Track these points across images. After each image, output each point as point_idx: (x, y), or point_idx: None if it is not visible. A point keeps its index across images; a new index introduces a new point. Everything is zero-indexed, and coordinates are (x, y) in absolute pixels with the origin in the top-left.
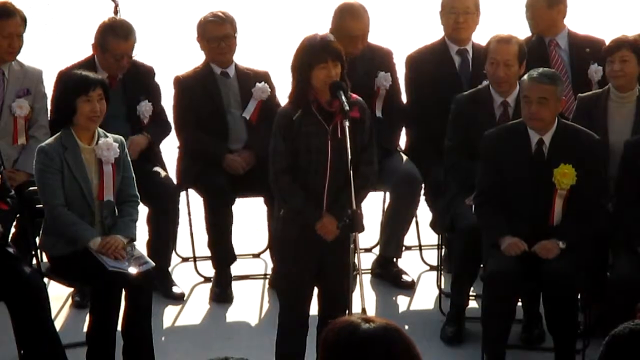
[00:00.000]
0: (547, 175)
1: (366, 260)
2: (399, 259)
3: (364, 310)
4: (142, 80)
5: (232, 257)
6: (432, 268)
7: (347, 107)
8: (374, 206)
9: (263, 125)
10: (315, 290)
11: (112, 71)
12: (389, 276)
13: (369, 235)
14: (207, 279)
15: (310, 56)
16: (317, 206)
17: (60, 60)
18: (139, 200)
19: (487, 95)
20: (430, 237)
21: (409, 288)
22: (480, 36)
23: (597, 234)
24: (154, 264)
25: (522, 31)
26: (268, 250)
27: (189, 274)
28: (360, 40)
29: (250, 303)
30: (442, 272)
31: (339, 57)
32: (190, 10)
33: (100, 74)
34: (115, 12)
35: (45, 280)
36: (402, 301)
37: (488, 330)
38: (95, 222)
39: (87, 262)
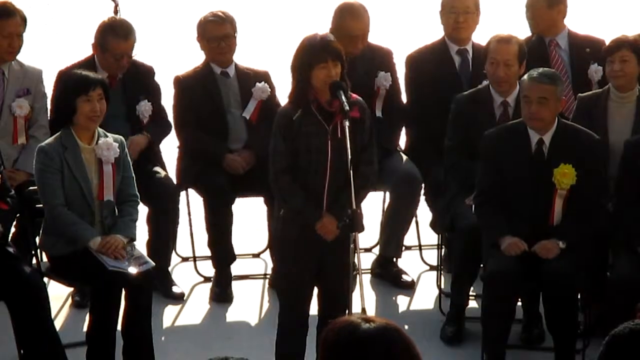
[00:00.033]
0: (547, 175)
1: (366, 260)
2: (399, 259)
3: (364, 310)
4: (142, 80)
5: (232, 257)
6: (432, 268)
7: (347, 107)
8: (374, 206)
9: (263, 125)
10: (315, 290)
11: (112, 71)
12: (389, 276)
13: (369, 235)
14: (207, 279)
15: (310, 56)
16: (317, 206)
17: (60, 60)
18: (139, 200)
19: (487, 95)
20: (430, 237)
21: (409, 288)
22: (480, 36)
23: (597, 233)
24: (154, 263)
25: (522, 31)
26: (268, 250)
27: (189, 274)
28: (360, 40)
29: (250, 303)
30: (442, 272)
31: (339, 56)
32: (190, 10)
33: (100, 73)
34: (115, 12)
35: (45, 280)
36: (402, 301)
37: (488, 330)
38: (95, 222)
39: (87, 261)
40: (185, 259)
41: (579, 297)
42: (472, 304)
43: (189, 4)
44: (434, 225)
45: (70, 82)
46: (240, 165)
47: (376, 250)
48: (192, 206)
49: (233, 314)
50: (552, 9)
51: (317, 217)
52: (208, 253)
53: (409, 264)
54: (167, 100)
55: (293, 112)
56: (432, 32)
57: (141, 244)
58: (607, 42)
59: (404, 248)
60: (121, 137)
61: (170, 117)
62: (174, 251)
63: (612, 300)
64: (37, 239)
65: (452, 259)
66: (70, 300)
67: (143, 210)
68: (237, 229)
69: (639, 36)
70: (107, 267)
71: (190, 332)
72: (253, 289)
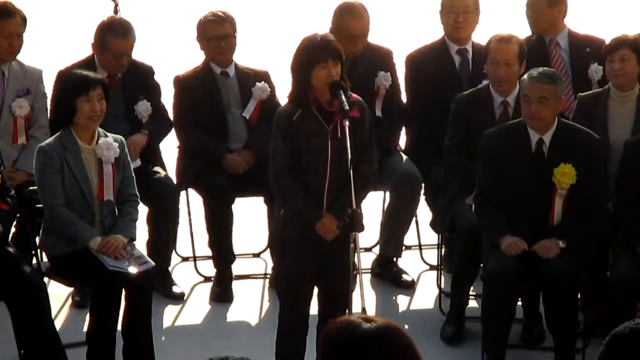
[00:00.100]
0: (547, 175)
1: (366, 260)
2: (399, 259)
3: (364, 309)
4: (141, 80)
5: (232, 257)
6: (432, 268)
7: (347, 107)
8: (374, 206)
9: (263, 125)
10: (316, 290)
11: (112, 70)
12: (389, 276)
13: (369, 235)
14: (207, 279)
15: (310, 56)
16: (317, 206)
17: (60, 60)
18: (139, 200)
19: (487, 94)
20: (430, 237)
21: (409, 288)
22: (480, 36)
23: (597, 233)
24: (154, 263)
25: (522, 30)
26: (268, 250)
27: (189, 274)
28: (360, 39)
29: (251, 303)
30: (442, 272)
31: (339, 56)
32: (190, 10)
33: (99, 73)
34: (115, 11)
35: (45, 279)
36: (402, 301)
37: (488, 330)
38: (95, 222)
39: (87, 261)
40: (185, 259)
41: (579, 296)
42: (472, 303)
43: (189, 4)
44: (434, 225)
45: (70, 82)
46: (240, 165)
47: (376, 250)
48: (192, 206)
49: (233, 313)
50: (553, 8)
51: (317, 217)
52: (208, 253)
53: (409, 263)
54: (167, 100)
55: (293, 112)
56: (432, 32)
57: (141, 244)
58: (607, 42)
59: (404, 248)
60: (121, 137)
61: (170, 117)
62: (174, 251)
63: (612, 300)
64: (37, 239)
65: (452, 259)
66: (70, 300)
67: (143, 210)
68: (237, 229)
69: (639, 35)
70: (107, 267)
71: (190, 332)
72: (253, 289)
